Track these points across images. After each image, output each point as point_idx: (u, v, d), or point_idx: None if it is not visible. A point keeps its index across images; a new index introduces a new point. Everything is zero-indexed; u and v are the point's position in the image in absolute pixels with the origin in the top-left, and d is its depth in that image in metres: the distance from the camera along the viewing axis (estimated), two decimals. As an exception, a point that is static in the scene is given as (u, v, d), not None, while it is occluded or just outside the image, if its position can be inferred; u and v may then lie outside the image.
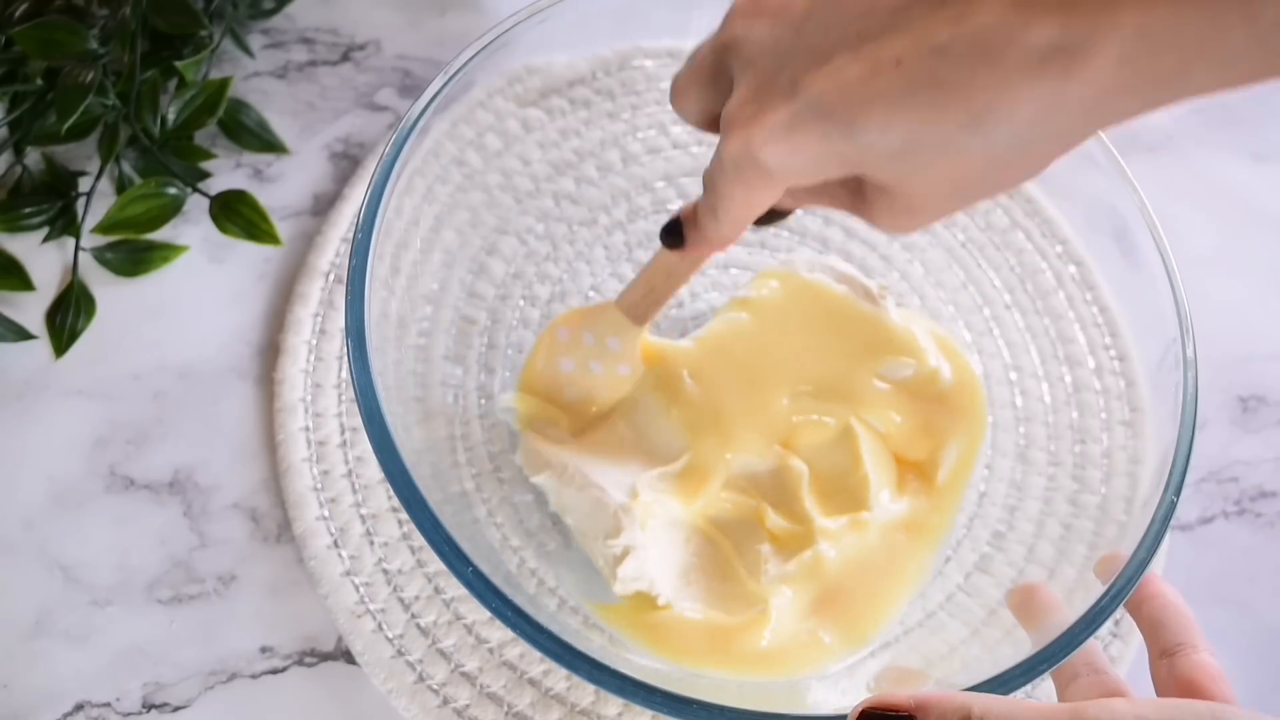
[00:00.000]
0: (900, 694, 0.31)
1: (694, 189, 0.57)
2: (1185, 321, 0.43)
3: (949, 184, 0.31)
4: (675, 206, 0.56)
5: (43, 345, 0.54)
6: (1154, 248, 0.44)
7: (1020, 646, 0.37)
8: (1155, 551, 0.38)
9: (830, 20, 0.30)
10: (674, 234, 0.40)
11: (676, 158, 0.57)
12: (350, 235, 0.57)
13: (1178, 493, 0.39)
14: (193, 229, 0.58)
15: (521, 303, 0.54)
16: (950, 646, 0.45)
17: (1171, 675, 0.35)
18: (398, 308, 0.43)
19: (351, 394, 0.53)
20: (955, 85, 0.27)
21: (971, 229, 0.56)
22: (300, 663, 0.48)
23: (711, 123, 0.36)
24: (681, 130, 0.57)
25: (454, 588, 0.49)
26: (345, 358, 0.54)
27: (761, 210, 0.35)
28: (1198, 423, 0.41)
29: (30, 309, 0.55)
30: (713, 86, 0.35)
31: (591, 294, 0.55)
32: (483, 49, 0.45)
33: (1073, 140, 0.29)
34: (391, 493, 0.51)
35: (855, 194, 0.35)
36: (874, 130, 0.29)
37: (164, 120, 0.58)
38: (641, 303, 0.47)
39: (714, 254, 0.41)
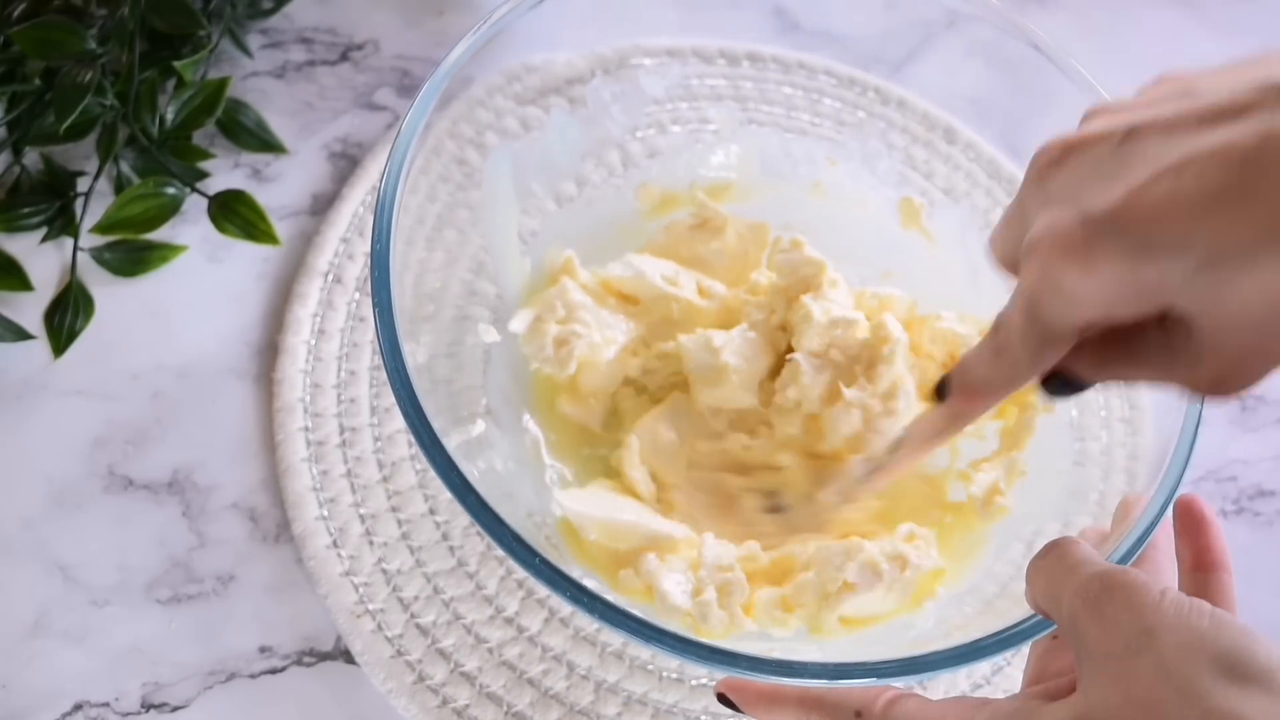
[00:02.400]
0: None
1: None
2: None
3: (1260, 308, 0.28)
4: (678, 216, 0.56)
5: (41, 345, 0.54)
6: None
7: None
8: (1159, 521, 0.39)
9: (1125, 127, 0.29)
10: (944, 386, 0.38)
11: (677, 158, 0.57)
12: (349, 235, 0.57)
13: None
14: (191, 229, 0.58)
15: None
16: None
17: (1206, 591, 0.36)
18: (409, 305, 0.44)
19: (350, 394, 0.53)
20: (1263, 195, 0.26)
21: (971, 228, 0.56)
22: (299, 663, 0.48)
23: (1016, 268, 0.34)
24: (682, 130, 0.57)
25: (454, 587, 0.49)
26: (343, 358, 0.54)
27: (1055, 356, 0.32)
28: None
29: (29, 309, 0.54)
30: (1017, 226, 0.33)
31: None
32: (480, 34, 0.44)
33: None
34: (391, 493, 0.51)
35: (1161, 350, 0.32)
36: (1172, 243, 0.27)
37: (162, 120, 0.58)
38: (883, 459, 0.45)
39: (982, 408, 0.38)
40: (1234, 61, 0.29)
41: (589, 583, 0.40)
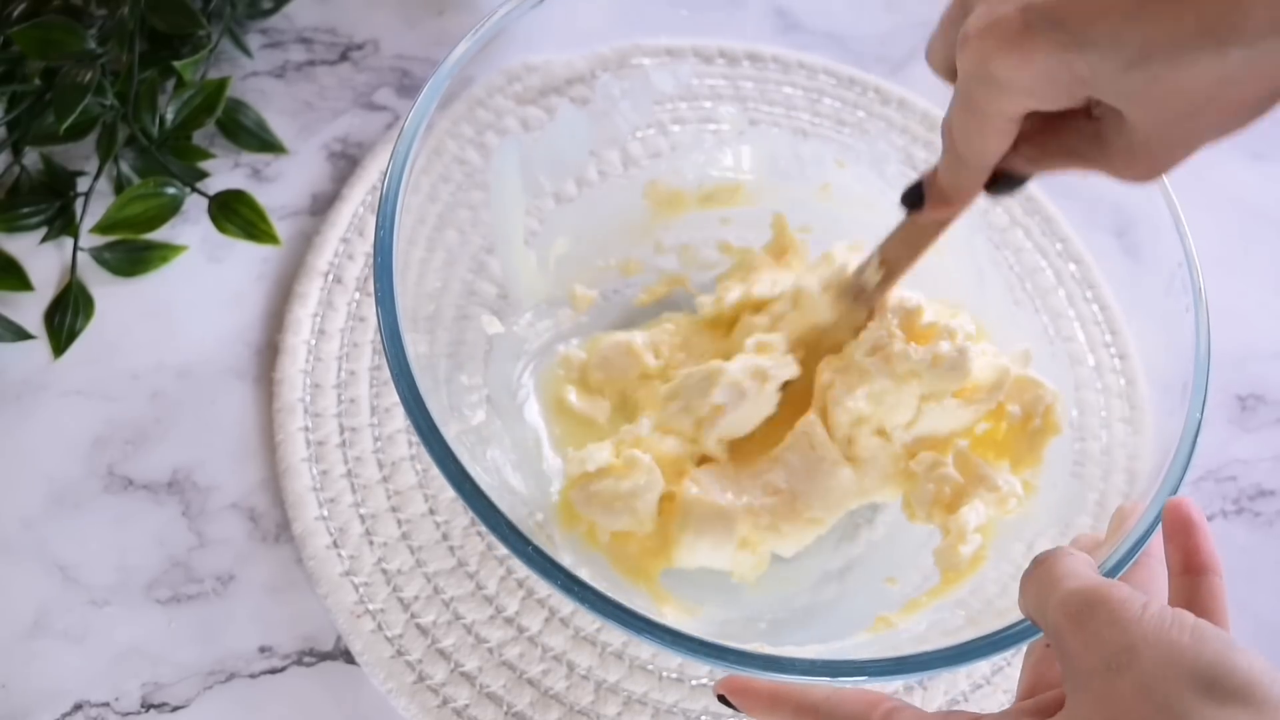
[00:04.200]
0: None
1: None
2: (1202, 320, 0.43)
3: (1183, 104, 0.30)
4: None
5: (41, 345, 0.54)
6: (1174, 243, 0.44)
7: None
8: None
9: None
10: (914, 195, 0.41)
11: (677, 158, 0.57)
12: (349, 235, 0.57)
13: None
14: (191, 229, 0.58)
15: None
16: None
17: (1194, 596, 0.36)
18: (411, 304, 0.43)
19: (350, 394, 0.53)
20: None
21: (972, 227, 0.56)
22: (299, 662, 0.48)
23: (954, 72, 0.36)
24: (682, 130, 0.57)
25: (454, 587, 0.49)
26: (343, 358, 0.54)
27: (998, 148, 0.35)
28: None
29: (29, 309, 0.54)
30: (957, 27, 0.34)
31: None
32: (481, 34, 0.44)
33: None
34: (391, 493, 0.51)
35: (1091, 141, 0.35)
36: (1106, 40, 0.29)
37: (162, 120, 0.58)
38: (873, 280, 0.47)
39: (954, 212, 0.41)
40: None
41: (583, 572, 0.40)
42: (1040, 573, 0.34)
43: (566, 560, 0.42)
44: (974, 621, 0.43)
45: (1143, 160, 0.33)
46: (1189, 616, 0.30)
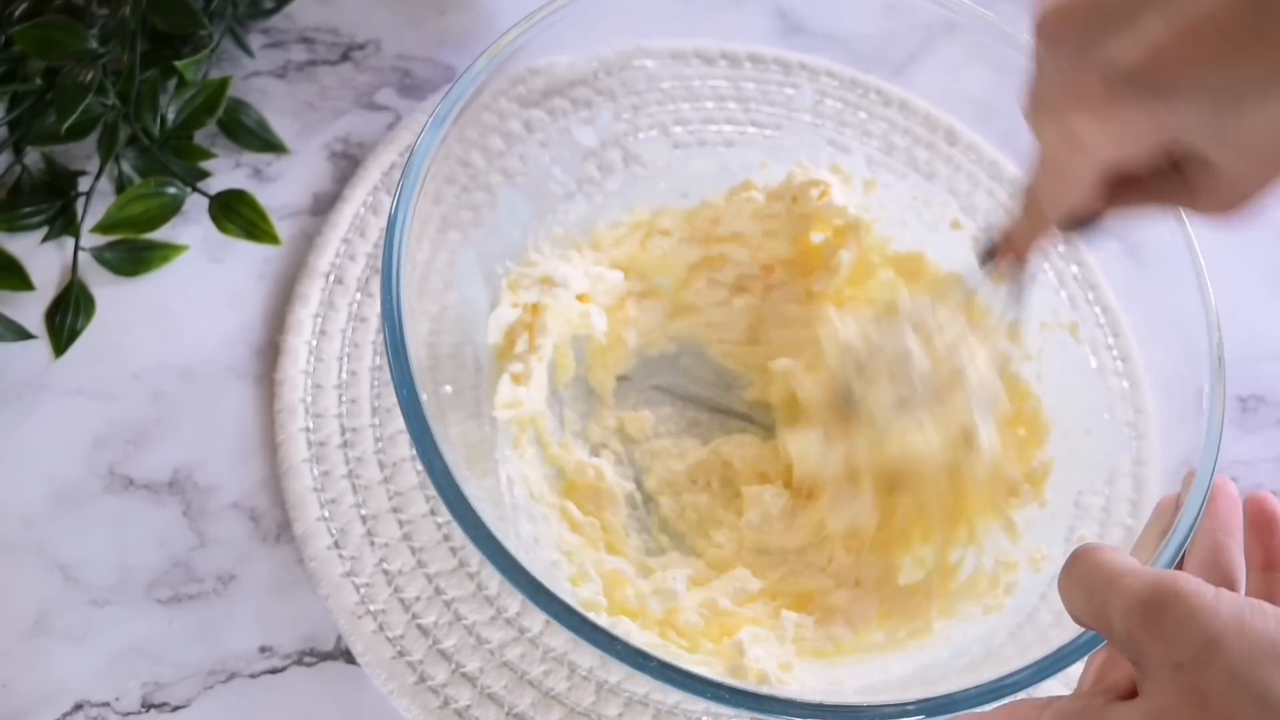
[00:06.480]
0: None
1: (695, 189, 0.57)
2: (1213, 325, 0.43)
3: (1269, 141, 0.30)
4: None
5: (42, 345, 0.54)
6: (1180, 245, 0.44)
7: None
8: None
9: None
10: (989, 253, 0.42)
11: (677, 159, 0.57)
12: (350, 235, 0.57)
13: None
14: (192, 229, 0.58)
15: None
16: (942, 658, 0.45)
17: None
18: (413, 304, 0.44)
19: (351, 395, 0.53)
20: (1265, 33, 0.27)
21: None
22: (300, 663, 0.48)
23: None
24: (682, 130, 0.57)
25: (455, 588, 0.49)
26: (344, 359, 0.54)
27: (1084, 205, 0.35)
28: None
29: (30, 309, 0.54)
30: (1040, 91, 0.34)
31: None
32: (493, 57, 0.45)
33: None
34: (392, 493, 0.51)
35: (1174, 182, 0.34)
36: (1191, 92, 0.29)
37: (163, 120, 0.58)
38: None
39: (1029, 258, 0.41)
40: None
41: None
42: (1085, 572, 0.33)
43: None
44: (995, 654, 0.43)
45: (1230, 197, 0.33)
46: (1268, 605, 0.30)
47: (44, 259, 0.56)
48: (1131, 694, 0.31)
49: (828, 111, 0.58)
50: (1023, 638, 0.42)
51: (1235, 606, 0.29)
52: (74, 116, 0.54)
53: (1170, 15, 0.28)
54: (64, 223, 0.56)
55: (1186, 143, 0.31)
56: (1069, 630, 0.37)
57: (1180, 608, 0.30)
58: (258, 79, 0.63)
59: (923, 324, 0.47)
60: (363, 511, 0.51)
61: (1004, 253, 0.41)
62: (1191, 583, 0.30)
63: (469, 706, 0.47)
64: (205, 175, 0.59)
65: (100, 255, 0.56)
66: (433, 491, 0.51)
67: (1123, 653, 0.32)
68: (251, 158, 0.60)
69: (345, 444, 0.52)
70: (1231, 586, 0.37)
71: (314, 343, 0.54)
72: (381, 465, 0.52)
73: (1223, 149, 0.31)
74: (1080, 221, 0.37)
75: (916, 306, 0.48)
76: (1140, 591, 0.31)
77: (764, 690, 0.36)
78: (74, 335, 0.54)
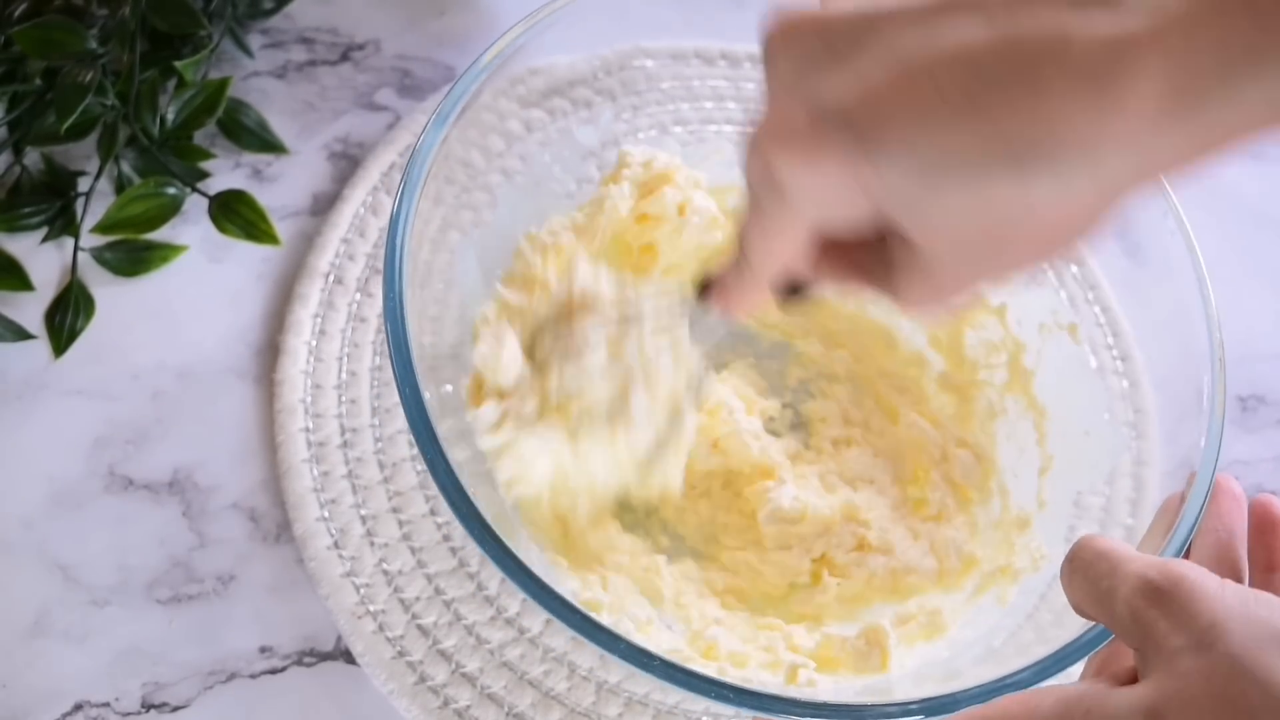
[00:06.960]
0: None
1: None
2: (1214, 324, 0.43)
3: (978, 233, 0.27)
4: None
5: (42, 345, 0.54)
6: (1180, 245, 0.44)
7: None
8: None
9: (862, 18, 0.27)
10: (704, 287, 0.37)
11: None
12: (349, 236, 0.57)
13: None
14: (192, 229, 0.58)
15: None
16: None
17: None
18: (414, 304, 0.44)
19: (351, 395, 0.53)
20: (992, 110, 0.25)
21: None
22: (299, 663, 0.48)
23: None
24: (682, 131, 0.57)
25: (455, 588, 0.49)
26: (344, 359, 0.54)
27: (786, 261, 0.32)
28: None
29: (29, 309, 0.54)
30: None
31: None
32: (494, 57, 0.45)
33: (1116, 189, 0.26)
34: (392, 494, 0.51)
35: (880, 263, 0.32)
36: (897, 148, 0.26)
37: (163, 120, 0.58)
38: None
39: (741, 315, 0.37)
40: None
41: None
42: (1089, 560, 0.33)
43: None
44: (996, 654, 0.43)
45: (926, 289, 0.30)
46: (1272, 596, 0.30)
47: (44, 259, 0.56)
48: (1133, 683, 0.31)
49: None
50: (1023, 637, 0.43)
51: (1239, 594, 0.30)
52: (74, 117, 0.54)
53: (890, 60, 0.26)
54: (64, 223, 0.56)
55: (888, 211, 0.28)
56: (1070, 629, 0.37)
57: (1185, 592, 0.30)
58: (257, 79, 0.63)
59: (629, 315, 0.44)
60: (362, 512, 0.51)
61: (716, 298, 0.36)
62: (1196, 569, 0.30)
63: (469, 707, 0.47)
64: (205, 175, 0.59)
65: (100, 255, 0.56)
66: (432, 491, 0.51)
67: (1125, 639, 0.32)
68: (251, 158, 0.60)
69: (345, 444, 0.52)
70: (1235, 580, 0.37)
71: (314, 343, 0.54)
72: (381, 465, 0.52)
73: (924, 229, 0.28)
74: (793, 288, 0.34)
75: (634, 296, 0.45)
76: (1146, 574, 0.31)
77: (765, 690, 0.36)
78: (74, 335, 0.54)
